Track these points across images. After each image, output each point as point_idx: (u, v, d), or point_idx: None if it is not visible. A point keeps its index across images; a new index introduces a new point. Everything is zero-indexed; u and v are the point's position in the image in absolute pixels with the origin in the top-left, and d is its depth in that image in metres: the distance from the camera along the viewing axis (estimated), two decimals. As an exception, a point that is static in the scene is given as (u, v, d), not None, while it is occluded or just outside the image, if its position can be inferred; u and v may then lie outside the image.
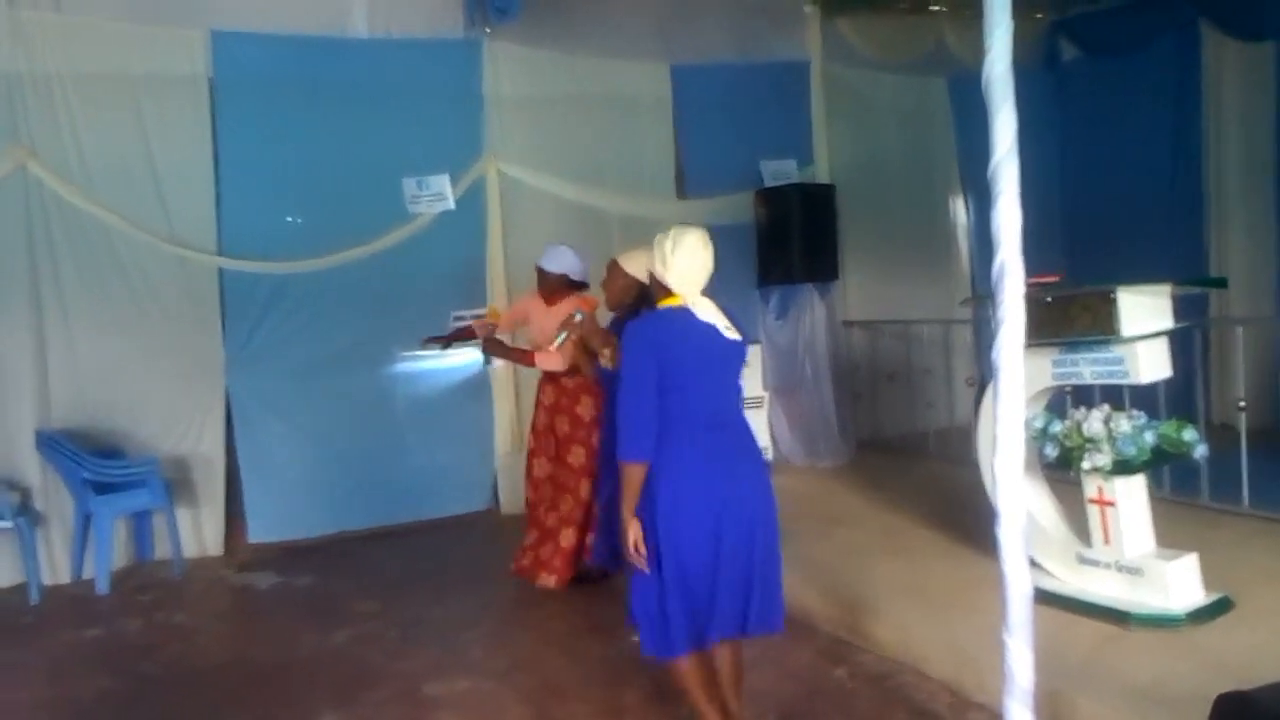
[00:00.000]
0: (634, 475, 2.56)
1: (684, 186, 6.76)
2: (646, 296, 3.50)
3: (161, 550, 5.36)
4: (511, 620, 4.35)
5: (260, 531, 5.60)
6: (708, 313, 2.67)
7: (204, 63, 5.44)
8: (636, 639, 3.72)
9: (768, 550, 2.66)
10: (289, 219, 5.77)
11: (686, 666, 2.70)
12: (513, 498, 6.12)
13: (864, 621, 3.78)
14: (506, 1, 5.50)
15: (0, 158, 4.99)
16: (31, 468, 5.08)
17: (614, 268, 3.69)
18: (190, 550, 5.43)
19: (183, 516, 5.39)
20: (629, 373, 2.60)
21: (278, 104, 5.61)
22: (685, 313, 2.65)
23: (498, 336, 4.65)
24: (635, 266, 3.56)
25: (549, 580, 4.48)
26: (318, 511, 5.75)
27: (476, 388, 6.19)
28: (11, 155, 5.00)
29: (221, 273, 5.54)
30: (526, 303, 4.76)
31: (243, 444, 5.60)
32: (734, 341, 2.68)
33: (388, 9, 5.83)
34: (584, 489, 4.44)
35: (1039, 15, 7.74)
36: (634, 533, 2.57)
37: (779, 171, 6.75)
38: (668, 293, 2.68)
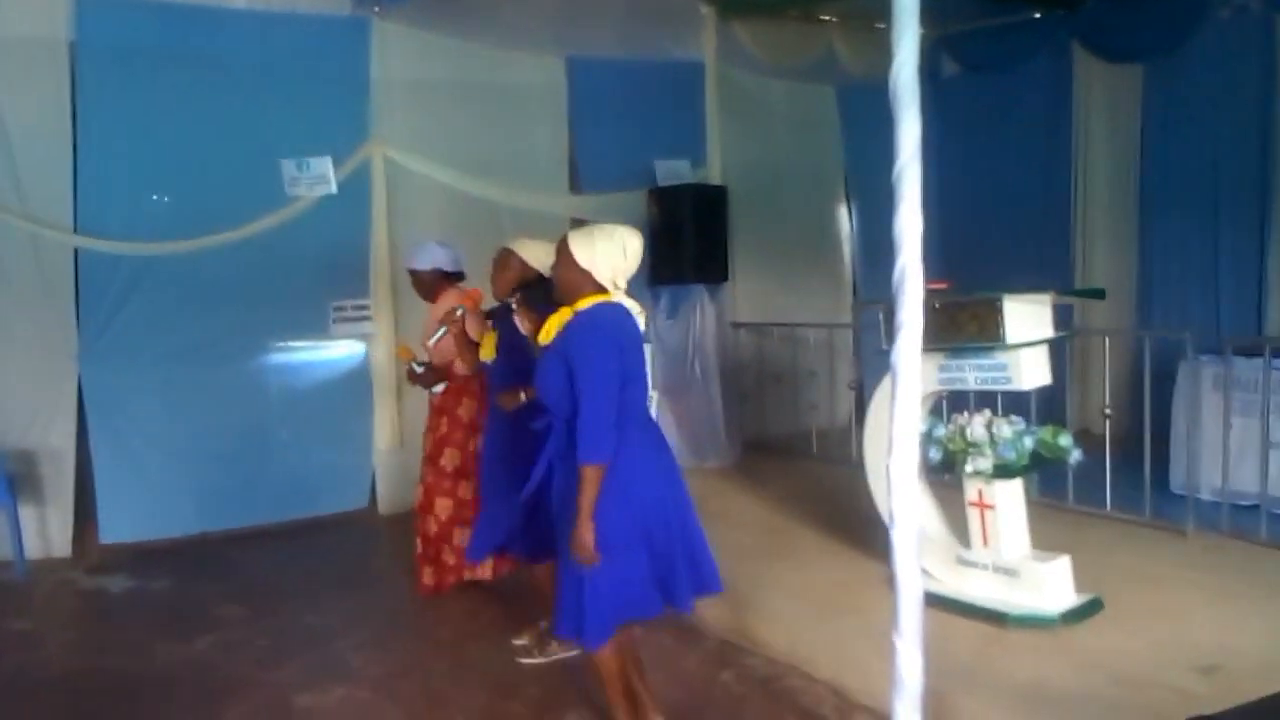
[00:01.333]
0: (597, 477, 2.55)
1: (577, 181, 6.67)
2: (537, 287, 3.41)
3: (1, 550, 4.92)
4: (392, 625, 4.18)
5: (113, 531, 5.22)
6: (634, 308, 2.75)
7: (65, 25, 5.03)
8: (523, 642, 3.68)
9: (696, 523, 2.82)
10: (155, 197, 5.40)
11: (612, 653, 2.75)
12: (391, 497, 5.92)
13: (751, 624, 3.79)
14: (398, -19, 5.28)
15: None
16: None
17: (509, 256, 3.59)
18: (34, 551, 5.02)
19: (27, 515, 4.99)
20: (599, 371, 2.58)
21: (146, 74, 5.23)
22: (621, 308, 2.71)
23: (415, 366, 4.27)
24: (534, 256, 3.48)
25: (484, 572, 4.26)
26: (179, 510, 5.41)
27: (355, 381, 5.95)
28: None
29: (77, 253, 5.14)
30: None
31: (96, 437, 5.22)
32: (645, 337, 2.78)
33: (270, -19, 5.54)
34: (464, 490, 4.28)
35: (922, 31, 7.97)
36: (592, 534, 2.53)
37: (672, 171, 6.73)
38: (595, 288, 2.69)
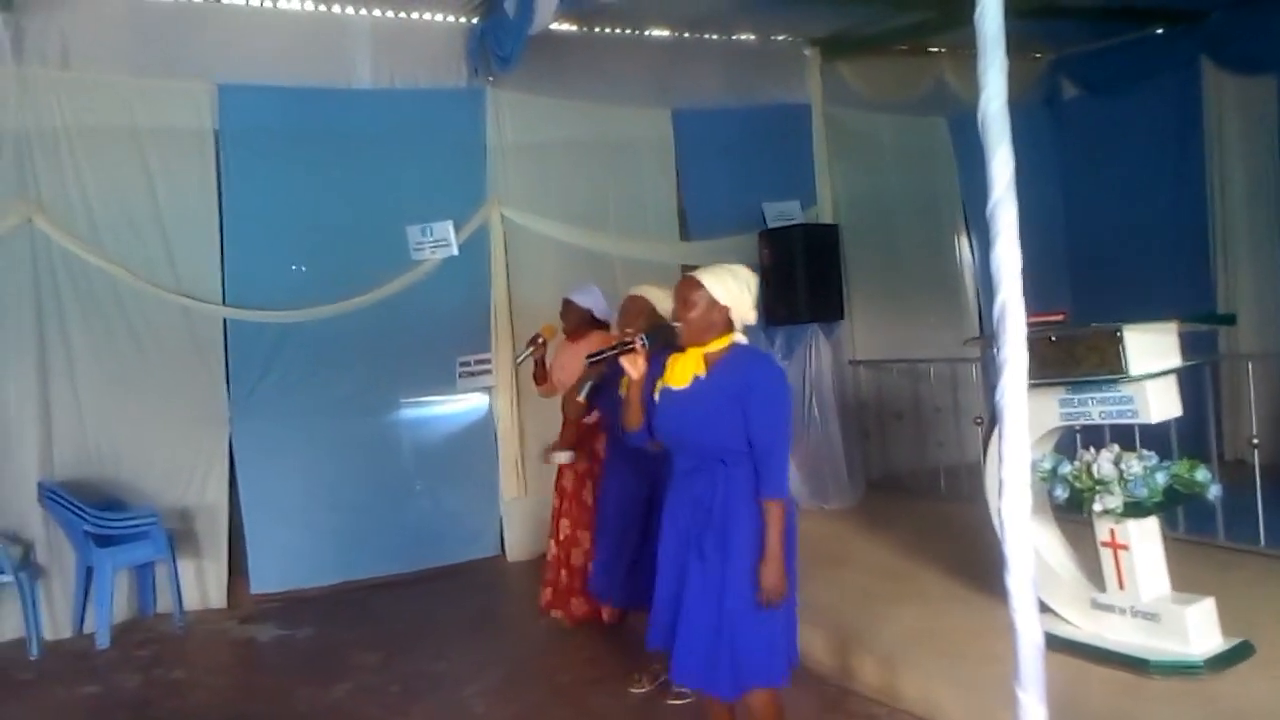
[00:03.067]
0: (785, 513, 2.59)
1: (687, 229, 6.77)
2: (664, 331, 3.47)
3: (164, 603, 5.30)
4: (517, 672, 4.26)
5: (263, 582, 5.54)
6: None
7: (210, 115, 5.49)
8: (642, 690, 3.69)
9: None
10: (293, 268, 5.78)
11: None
12: (519, 544, 6.08)
13: (873, 671, 3.69)
14: (508, 50, 5.54)
15: (7, 213, 5.02)
16: (34, 520, 5.04)
17: (640, 301, 3.69)
18: (192, 602, 5.36)
19: (185, 568, 5.34)
20: (788, 409, 2.67)
21: (282, 155, 5.65)
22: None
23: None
24: (661, 301, 3.58)
25: (609, 614, 4.38)
26: (321, 561, 5.69)
27: (480, 433, 6.16)
28: (18, 210, 5.03)
29: (226, 322, 5.55)
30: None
31: (246, 494, 5.56)
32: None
33: (392, 60, 5.90)
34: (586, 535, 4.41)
35: (1037, 55, 7.79)
36: (783, 572, 2.58)
37: (782, 213, 6.77)
38: (727, 327, 2.72)
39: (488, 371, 6.11)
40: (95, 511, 4.89)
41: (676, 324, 2.77)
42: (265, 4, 5.59)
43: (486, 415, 6.18)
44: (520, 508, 6.08)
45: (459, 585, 5.69)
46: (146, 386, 5.34)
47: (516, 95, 6.16)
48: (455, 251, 5.92)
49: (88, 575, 5.01)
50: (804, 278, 6.37)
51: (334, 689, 4.12)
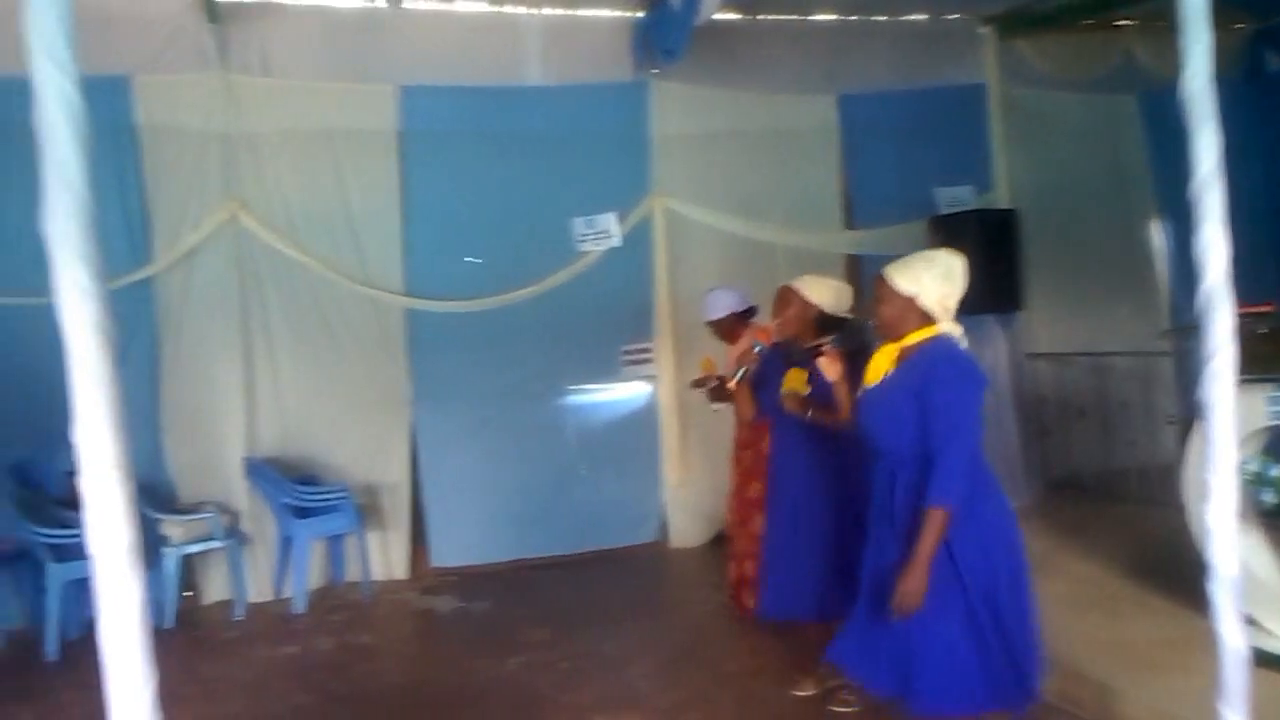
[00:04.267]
0: (945, 522, 2.43)
1: (853, 217, 6.63)
2: (823, 324, 3.42)
3: (353, 572, 5.69)
4: (680, 657, 4.32)
5: (442, 556, 5.87)
6: (962, 339, 2.63)
7: (394, 116, 5.81)
8: (806, 694, 3.63)
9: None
10: (468, 259, 6.05)
11: None
12: (681, 531, 6.15)
13: (1056, 678, 3.51)
14: (673, 43, 5.59)
15: (216, 211, 5.49)
16: (240, 492, 5.53)
17: (788, 293, 3.56)
18: (378, 573, 5.74)
19: (372, 540, 5.72)
20: (971, 410, 2.48)
21: (458, 152, 5.92)
22: (957, 341, 2.61)
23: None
24: (814, 293, 3.46)
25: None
26: (495, 539, 5.97)
27: (643, 421, 6.26)
28: (224, 208, 5.50)
29: (408, 311, 5.88)
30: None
31: (426, 472, 5.89)
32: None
33: (560, 57, 6.07)
34: (757, 523, 4.36)
35: (1239, 25, 7.14)
36: (925, 582, 2.44)
37: (955, 198, 6.51)
38: (922, 320, 2.59)
39: (649, 360, 6.21)
40: (294, 485, 5.30)
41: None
42: (443, 7, 5.86)
43: (649, 404, 6.27)
44: (683, 496, 6.15)
45: (622, 569, 5.82)
46: (338, 372, 5.74)
47: (680, 87, 6.20)
48: (618, 243, 6.03)
49: (286, 544, 5.45)
50: (979, 266, 6.06)
51: (508, 662, 4.31)
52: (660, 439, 6.21)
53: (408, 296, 5.85)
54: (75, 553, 4.62)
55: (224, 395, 5.54)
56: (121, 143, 5.27)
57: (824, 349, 3.31)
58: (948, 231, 6.26)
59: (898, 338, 2.60)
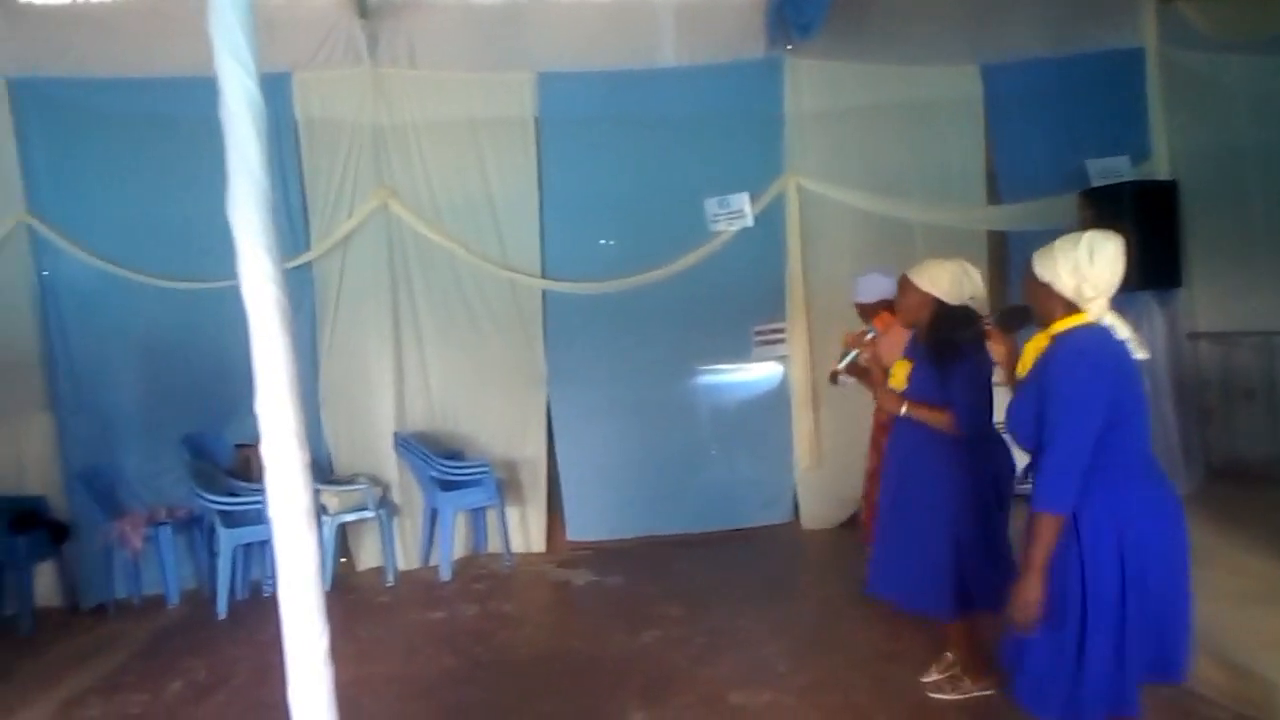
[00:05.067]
0: (1055, 529, 2.31)
1: (996, 191, 6.38)
2: (947, 315, 3.32)
3: (493, 544, 5.93)
4: (813, 637, 4.32)
5: (577, 531, 6.05)
6: (1122, 329, 2.40)
7: (531, 103, 5.97)
8: (932, 679, 3.58)
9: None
10: (602, 242, 6.16)
11: None
12: (813, 513, 6.12)
13: (1219, 673, 3.34)
14: (809, 18, 5.50)
15: (368, 199, 5.77)
16: (390, 466, 5.83)
17: (905, 284, 3.46)
18: (517, 545, 5.96)
19: (511, 514, 5.95)
20: (1075, 408, 2.29)
21: (593, 136, 6.03)
22: (1107, 332, 2.39)
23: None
24: (930, 280, 3.35)
25: None
26: (628, 515, 6.10)
27: (775, 402, 6.24)
28: (376, 196, 5.78)
29: (544, 294, 6.04)
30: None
31: (562, 449, 6.06)
32: (1142, 361, 2.40)
33: (693, 37, 6.05)
34: None
35: None
36: (1040, 592, 2.33)
37: (1108, 169, 6.16)
38: (1067, 307, 2.43)
39: (782, 341, 6.18)
40: (439, 460, 5.56)
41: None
42: (578, -6, 5.96)
43: (781, 385, 6.24)
44: (816, 478, 6.11)
45: (753, 549, 5.84)
46: (479, 353, 5.97)
47: (815, 62, 6.10)
48: (750, 223, 6.01)
49: (433, 516, 5.72)
50: (1135, 241, 5.73)
51: (643, 635, 4.41)
52: (792, 420, 6.18)
53: (544, 279, 6.01)
54: (244, 519, 5.02)
55: (376, 374, 5.84)
56: (283, 137, 5.61)
57: (986, 328, 3.26)
58: (1100, 205, 5.94)
59: (1046, 326, 2.48)
